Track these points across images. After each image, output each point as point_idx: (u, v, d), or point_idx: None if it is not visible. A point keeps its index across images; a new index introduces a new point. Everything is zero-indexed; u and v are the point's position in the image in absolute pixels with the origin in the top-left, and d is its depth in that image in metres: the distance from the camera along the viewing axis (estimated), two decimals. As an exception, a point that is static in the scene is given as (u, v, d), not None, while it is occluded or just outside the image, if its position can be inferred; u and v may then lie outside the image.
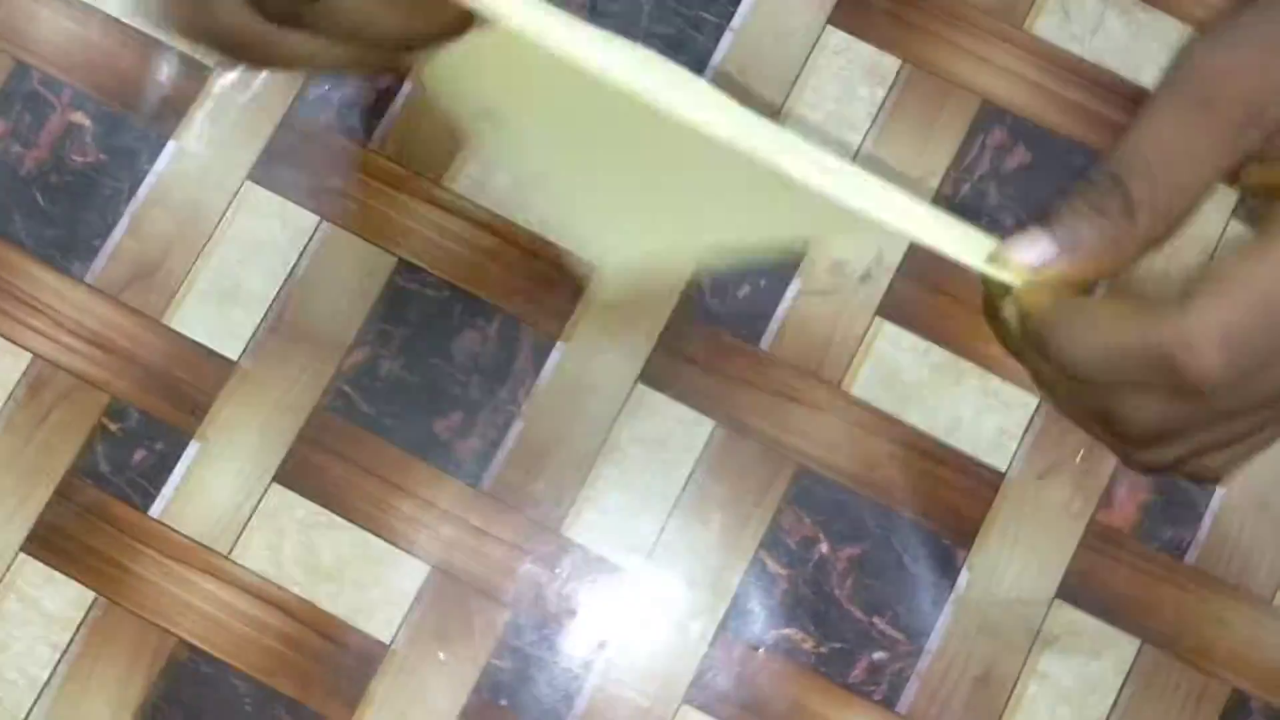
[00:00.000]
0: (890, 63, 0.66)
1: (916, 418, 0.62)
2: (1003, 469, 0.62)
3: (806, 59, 0.66)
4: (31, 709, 0.61)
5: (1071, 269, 0.32)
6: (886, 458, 0.62)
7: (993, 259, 0.33)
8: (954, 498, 0.62)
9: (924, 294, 0.63)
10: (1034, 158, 0.65)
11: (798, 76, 0.66)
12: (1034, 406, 0.62)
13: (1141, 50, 0.65)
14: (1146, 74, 0.65)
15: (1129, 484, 0.62)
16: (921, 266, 0.63)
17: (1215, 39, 0.31)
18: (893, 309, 0.63)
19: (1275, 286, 0.29)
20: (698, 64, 0.66)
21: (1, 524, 0.62)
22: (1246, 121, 0.31)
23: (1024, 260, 0.33)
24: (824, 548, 0.62)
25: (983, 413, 0.62)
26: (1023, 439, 0.62)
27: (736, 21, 0.66)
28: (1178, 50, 0.31)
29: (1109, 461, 0.62)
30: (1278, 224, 0.29)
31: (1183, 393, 0.30)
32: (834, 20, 0.66)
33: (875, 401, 0.62)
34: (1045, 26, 0.66)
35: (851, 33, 0.66)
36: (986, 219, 0.64)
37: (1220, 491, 0.62)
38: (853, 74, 0.66)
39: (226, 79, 0.66)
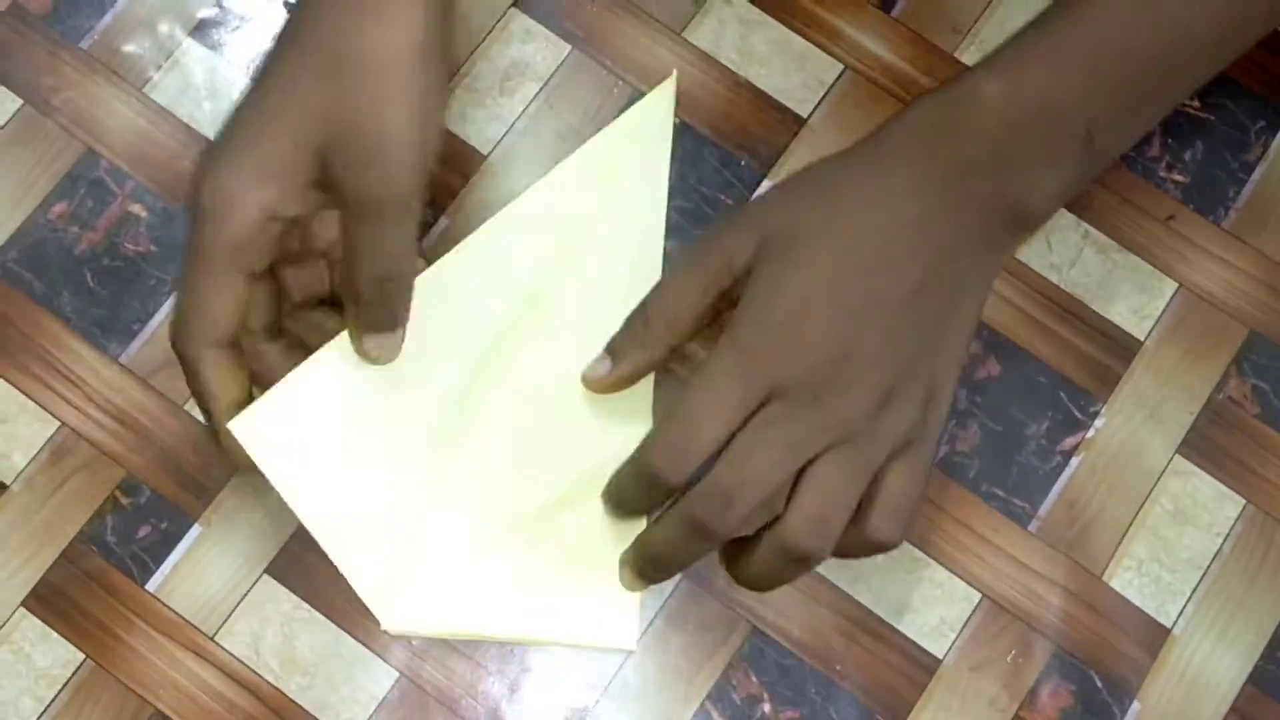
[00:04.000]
0: (885, 265, 0.72)
1: (866, 597, 0.67)
2: (940, 656, 0.67)
3: (810, 250, 0.72)
4: (6, 756, 0.65)
5: (615, 380, 0.56)
6: (834, 631, 0.67)
7: (584, 381, 0.57)
8: (892, 677, 0.66)
9: (888, 482, 0.68)
10: (1003, 371, 0.70)
11: (800, 264, 0.72)
12: (976, 602, 0.67)
13: (1114, 287, 0.71)
14: (1116, 309, 0.71)
15: (1052, 688, 0.67)
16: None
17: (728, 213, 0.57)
18: (858, 492, 0.68)
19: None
20: (710, 239, 0.72)
21: (7, 578, 0.66)
22: (720, 273, 0.53)
23: (593, 376, 0.56)
24: (766, 707, 0.66)
25: (929, 601, 0.67)
26: (961, 630, 0.67)
27: (751, 207, 0.72)
28: (715, 220, 0.60)
29: (1037, 663, 0.67)
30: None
31: (771, 389, 0.53)
32: (839, 220, 0.72)
33: (832, 578, 0.67)
34: (1028, 253, 0.72)
35: (854, 233, 0.72)
36: (954, 422, 0.69)
37: (1136, 704, 0.66)
38: (850, 270, 0.72)
39: (278, 193, 0.71)
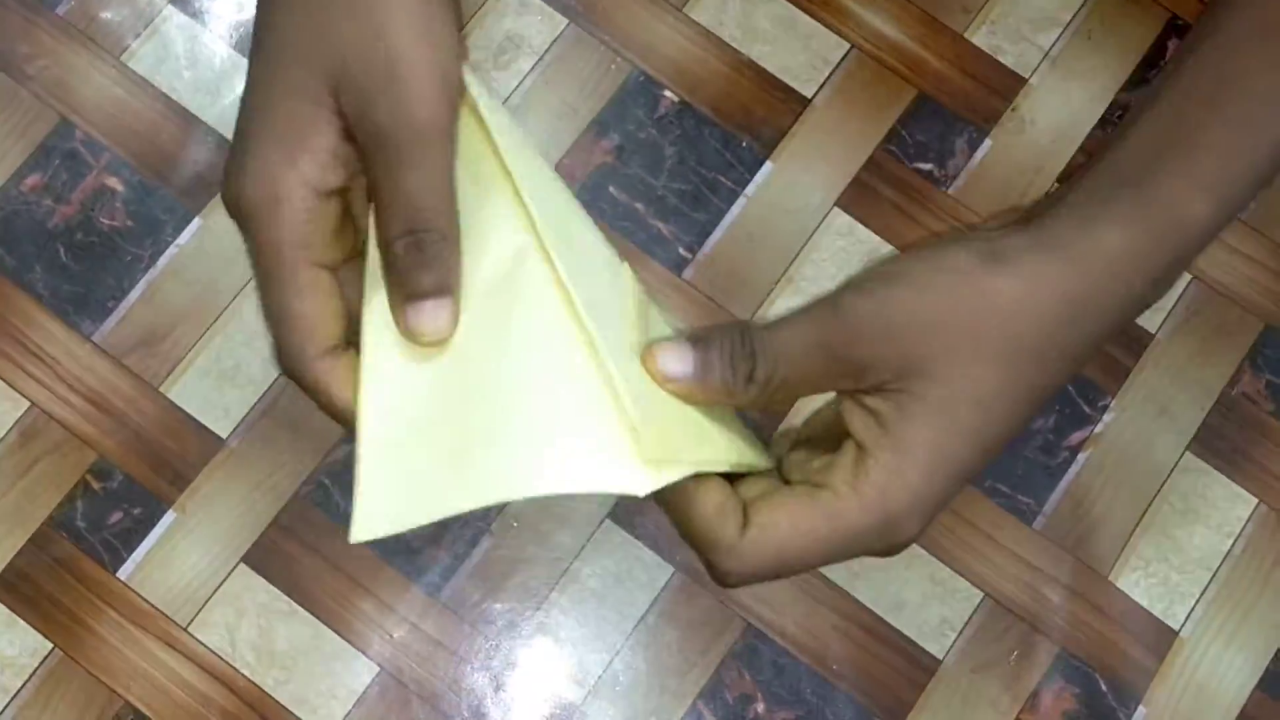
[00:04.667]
0: (888, 251, 0.69)
1: (865, 594, 0.65)
2: (940, 657, 0.65)
3: (811, 235, 0.69)
4: (-30, 749, 0.62)
5: (691, 391, 0.43)
6: (831, 628, 0.64)
7: (644, 357, 0.42)
8: (890, 677, 0.64)
9: (889, 476, 0.66)
10: (1011, 363, 0.68)
11: (801, 249, 0.69)
12: (978, 601, 0.65)
13: (1125, 277, 0.69)
14: (1127, 300, 0.69)
15: (1055, 691, 0.64)
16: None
17: (866, 295, 0.41)
18: (858, 486, 0.66)
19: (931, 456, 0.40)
20: (711, 222, 0.69)
21: (-28, 564, 0.64)
22: (850, 373, 0.41)
23: (666, 370, 0.43)
24: (760, 707, 0.64)
25: (929, 599, 0.65)
26: (963, 631, 0.65)
27: (751, 189, 0.70)
28: (847, 280, 0.41)
29: (1040, 665, 0.65)
30: (896, 423, 0.39)
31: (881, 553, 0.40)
32: (842, 204, 0.70)
33: (828, 573, 0.65)
34: (1039, 241, 0.69)
35: (857, 218, 0.70)
36: (958, 414, 0.67)
37: (1142, 709, 0.64)
38: (852, 256, 0.69)
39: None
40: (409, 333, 0.45)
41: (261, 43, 0.49)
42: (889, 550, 0.40)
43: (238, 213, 0.46)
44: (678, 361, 0.44)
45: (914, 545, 0.66)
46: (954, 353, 0.41)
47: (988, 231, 0.42)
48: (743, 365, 0.44)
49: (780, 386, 0.43)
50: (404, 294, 0.46)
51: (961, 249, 0.41)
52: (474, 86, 0.56)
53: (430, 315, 0.45)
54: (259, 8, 0.52)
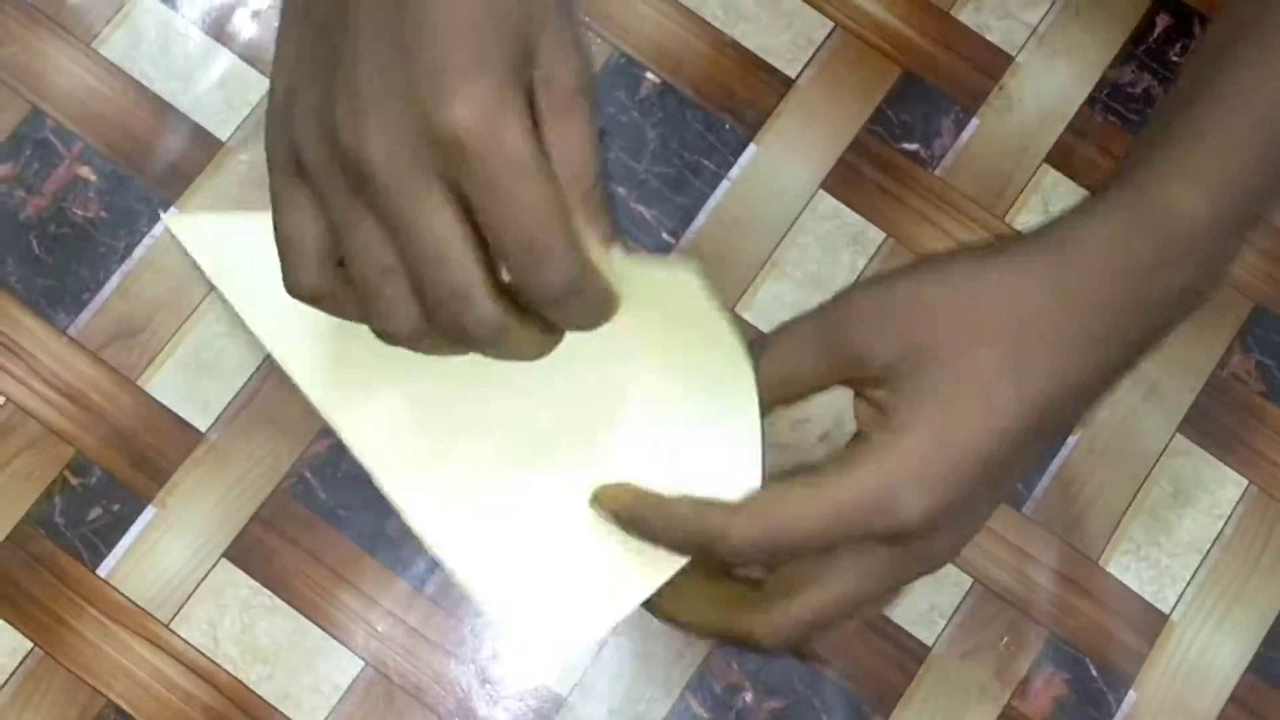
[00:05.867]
0: (874, 234, 0.68)
1: (853, 582, 0.64)
2: (929, 643, 0.64)
3: (796, 218, 0.69)
4: (-49, 749, 0.62)
5: None
6: (819, 617, 0.64)
7: None
8: (879, 664, 0.64)
9: (877, 462, 0.65)
10: (999, 346, 0.67)
11: (786, 233, 0.68)
12: (967, 587, 0.65)
13: (1114, 258, 0.68)
14: (1116, 280, 0.68)
15: (1046, 676, 0.64)
16: (878, 436, 0.65)
17: (866, 285, 0.42)
18: (845, 473, 0.65)
19: (944, 431, 0.39)
20: (694, 206, 0.68)
21: (-51, 562, 0.63)
22: (851, 360, 0.41)
23: None
24: (748, 696, 0.63)
25: (918, 587, 0.64)
26: (952, 617, 0.64)
27: (735, 172, 0.69)
28: (854, 284, 0.42)
29: (1030, 651, 0.64)
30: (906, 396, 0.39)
31: (890, 538, 0.39)
32: (827, 186, 0.69)
33: (816, 561, 0.64)
34: (1025, 221, 0.68)
35: (842, 200, 0.69)
36: (946, 399, 0.66)
37: (1133, 693, 0.64)
38: (838, 239, 0.68)
39: (237, 155, 0.68)
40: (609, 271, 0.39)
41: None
42: (896, 531, 0.39)
43: (452, 135, 0.37)
44: None
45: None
46: (950, 335, 0.40)
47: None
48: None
49: (786, 382, 0.42)
50: (609, 235, 0.40)
51: (963, 250, 0.42)
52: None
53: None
54: None
